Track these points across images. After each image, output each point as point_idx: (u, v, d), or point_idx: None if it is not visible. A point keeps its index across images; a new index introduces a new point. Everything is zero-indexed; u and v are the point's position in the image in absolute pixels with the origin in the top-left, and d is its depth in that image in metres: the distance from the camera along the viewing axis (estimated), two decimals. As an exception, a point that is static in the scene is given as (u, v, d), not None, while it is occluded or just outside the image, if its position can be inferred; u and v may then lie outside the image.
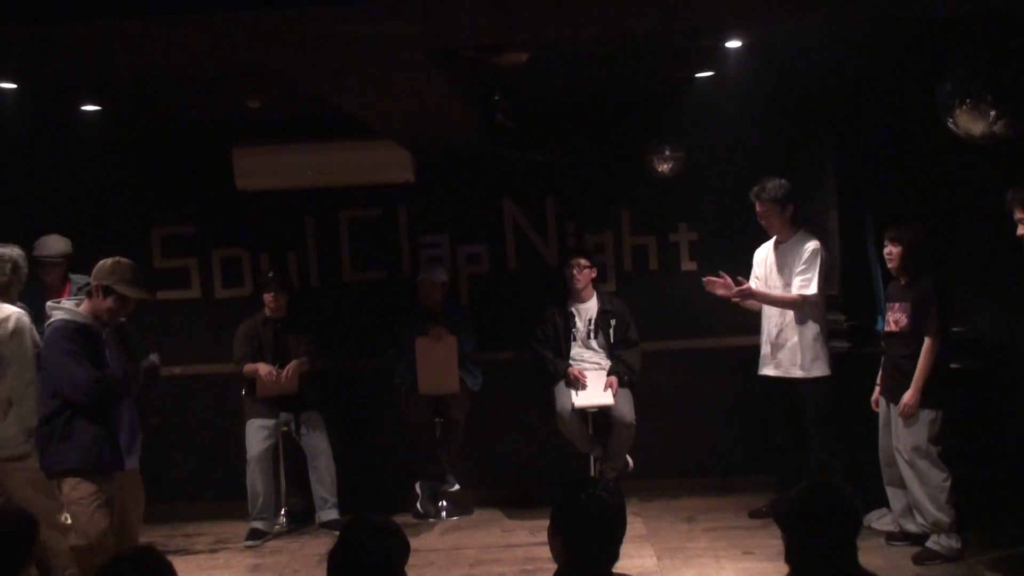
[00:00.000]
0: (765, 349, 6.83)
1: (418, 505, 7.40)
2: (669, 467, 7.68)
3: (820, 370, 6.63)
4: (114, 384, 5.32)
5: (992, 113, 4.98)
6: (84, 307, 5.36)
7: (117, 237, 7.15)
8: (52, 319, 5.31)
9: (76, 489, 5.28)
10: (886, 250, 6.17)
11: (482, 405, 7.44)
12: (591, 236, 7.83)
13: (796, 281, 6.60)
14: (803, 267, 6.60)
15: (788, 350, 6.69)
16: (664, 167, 7.39)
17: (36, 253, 6.78)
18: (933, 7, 4.56)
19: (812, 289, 6.58)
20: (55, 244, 6.92)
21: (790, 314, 6.67)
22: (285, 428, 7.27)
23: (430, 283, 7.38)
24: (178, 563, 3.30)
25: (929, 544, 5.98)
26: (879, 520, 6.48)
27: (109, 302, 5.32)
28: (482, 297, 7.89)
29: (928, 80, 5.38)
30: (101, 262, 5.38)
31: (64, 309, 5.33)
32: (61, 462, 5.29)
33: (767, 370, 6.83)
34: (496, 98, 6.23)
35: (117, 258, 5.41)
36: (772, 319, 6.77)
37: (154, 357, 5.66)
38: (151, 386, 5.60)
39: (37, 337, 5.78)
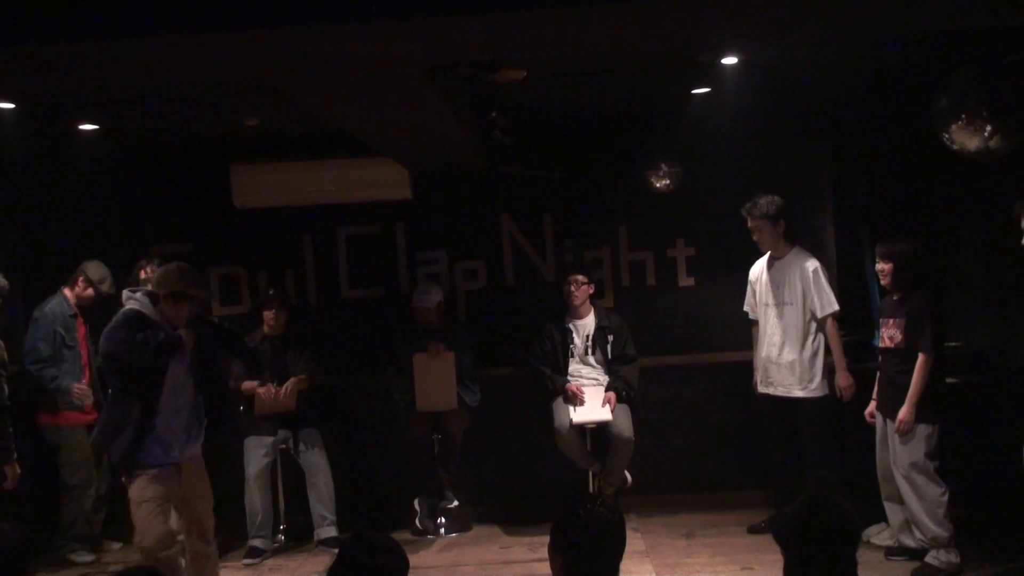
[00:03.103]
0: (763, 367, 6.84)
1: (417, 522, 7.38)
2: (668, 483, 7.67)
3: (820, 389, 6.65)
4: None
5: (987, 128, 5.00)
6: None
7: (115, 255, 7.17)
8: (126, 306, 5.37)
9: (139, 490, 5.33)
10: (878, 266, 6.18)
11: (480, 421, 7.43)
12: (589, 252, 7.86)
13: (817, 306, 6.62)
14: (813, 291, 6.62)
15: (787, 368, 6.70)
16: (661, 183, 7.42)
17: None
18: (927, 23, 4.58)
19: (833, 306, 6.62)
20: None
21: (790, 333, 6.68)
22: (283, 446, 7.25)
23: (423, 310, 7.37)
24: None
25: (928, 559, 5.97)
26: (878, 535, 6.47)
27: (182, 307, 5.37)
28: (480, 313, 7.90)
29: (924, 96, 5.40)
30: (164, 269, 5.44)
31: (138, 300, 5.37)
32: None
33: (765, 388, 6.84)
34: (493, 115, 6.25)
35: (176, 263, 5.48)
36: (771, 337, 6.78)
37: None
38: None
39: None
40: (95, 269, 7.00)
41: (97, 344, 7.02)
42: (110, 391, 5.56)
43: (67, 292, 7.02)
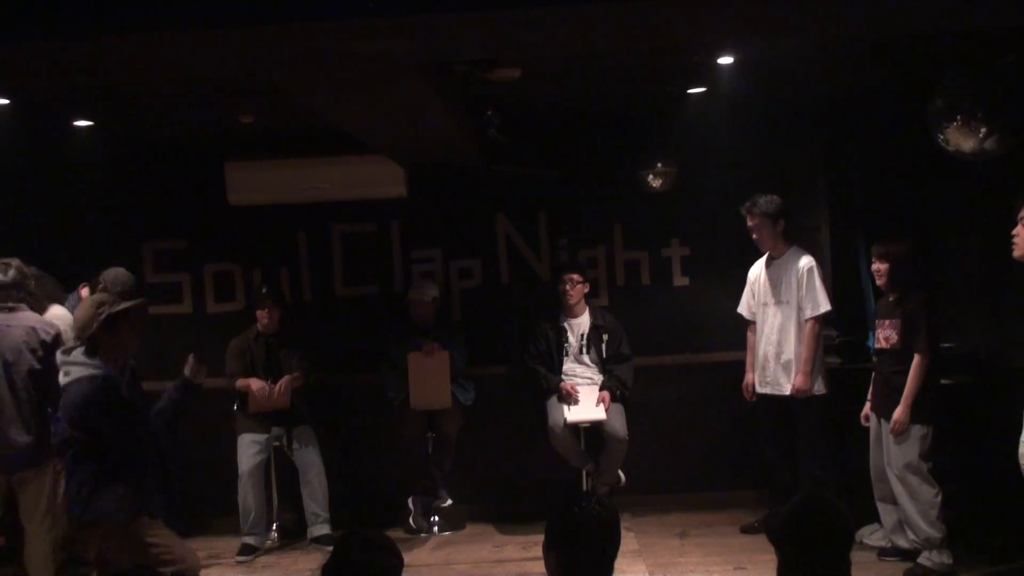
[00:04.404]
0: (761, 366, 6.84)
1: (410, 520, 7.37)
2: (662, 482, 7.67)
3: (816, 389, 6.65)
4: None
5: (983, 130, 5.01)
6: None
7: (109, 252, 7.15)
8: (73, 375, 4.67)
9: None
10: (874, 266, 6.19)
11: (474, 420, 7.43)
12: (583, 251, 7.85)
13: (806, 307, 6.61)
14: (805, 290, 6.60)
15: (784, 368, 6.70)
16: (656, 182, 7.42)
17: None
18: (923, 24, 4.58)
19: (823, 307, 6.59)
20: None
21: (787, 331, 6.68)
22: (277, 443, 7.24)
23: (419, 302, 7.38)
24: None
25: (921, 560, 5.98)
26: (871, 535, 6.47)
27: (124, 332, 4.79)
28: (475, 312, 7.89)
29: (919, 96, 5.40)
30: (81, 311, 4.79)
31: (82, 363, 4.68)
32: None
33: (761, 388, 6.84)
34: (488, 113, 6.25)
35: (95, 297, 4.95)
36: (769, 335, 6.77)
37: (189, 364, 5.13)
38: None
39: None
40: (125, 279, 6.75)
41: None
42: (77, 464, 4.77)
43: (83, 293, 6.89)
